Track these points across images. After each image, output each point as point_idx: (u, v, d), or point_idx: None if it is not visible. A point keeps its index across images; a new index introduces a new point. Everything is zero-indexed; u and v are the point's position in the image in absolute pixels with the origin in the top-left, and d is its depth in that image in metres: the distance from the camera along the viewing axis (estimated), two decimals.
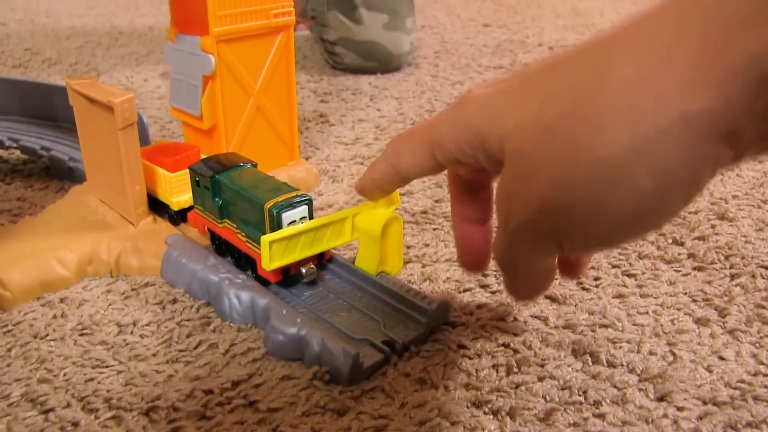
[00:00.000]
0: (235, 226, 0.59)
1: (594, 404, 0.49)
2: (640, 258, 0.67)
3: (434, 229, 0.71)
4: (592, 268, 0.65)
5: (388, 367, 0.52)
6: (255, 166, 0.62)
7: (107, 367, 0.53)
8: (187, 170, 0.65)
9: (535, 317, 0.58)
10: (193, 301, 0.60)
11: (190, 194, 0.65)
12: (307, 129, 1.00)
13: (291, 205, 0.55)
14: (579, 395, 0.50)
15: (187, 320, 0.58)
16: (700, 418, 0.48)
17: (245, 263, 0.60)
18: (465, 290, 0.61)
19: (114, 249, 0.65)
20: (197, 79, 0.71)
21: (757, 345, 0.55)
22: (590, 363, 0.53)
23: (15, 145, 0.79)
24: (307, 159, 0.88)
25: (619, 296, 0.61)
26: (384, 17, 1.20)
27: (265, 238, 0.54)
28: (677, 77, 0.27)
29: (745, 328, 0.57)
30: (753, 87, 0.26)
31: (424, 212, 0.74)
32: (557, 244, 0.34)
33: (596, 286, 0.62)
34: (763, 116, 0.27)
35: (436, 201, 0.76)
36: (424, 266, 0.65)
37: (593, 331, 0.56)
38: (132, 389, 0.51)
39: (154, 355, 0.54)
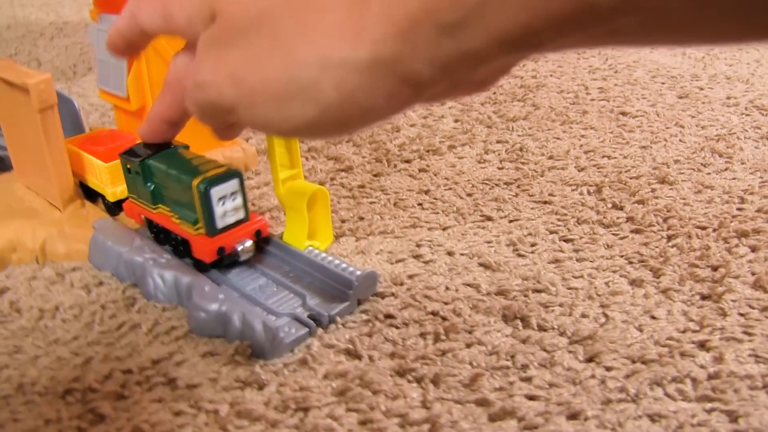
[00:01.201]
0: (168, 209, 0.57)
1: (521, 368, 0.49)
2: (579, 223, 0.66)
3: (371, 203, 0.70)
4: (530, 234, 0.64)
5: (313, 340, 0.51)
6: (187, 148, 0.59)
7: (24, 353, 0.51)
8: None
9: (467, 285, 0.57)
10: (120, 284, 0.59)
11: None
12: None
13: (220, 180, 0.52)
14: (506, 360, 0.49)
15: (112, 302, 0.56)
16: (627, 376, 0.47)
17: (183, 249, 0.57)
18: (397, 261, 0.60)
19: (39, 236, 0.63)
20: (122, 59, 0.70)
21: (689, 303, 0.54)
22: (520, 328, 0.52)
23: None
24: (246, 140, 0.86)
25: (555, 261, 0.60)
26: None
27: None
28: (372, 20, 0.28)
29: (678, 287, 0.56)
30: (432, 38, 0.27)
31: (362, 186, 0.73)
32: (234, 117, 0.35)
33: (532, 252, 0.61)
34: (445, 67, 0.28)
35: (375, 175, 0.75)
36: (357, 239, 0.64)
37: (525, 296, 0.55)
38: (48, 373, 0.49)
39: (75, 338, 0.53)
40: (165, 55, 0.71)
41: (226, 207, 0.53)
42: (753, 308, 0.54)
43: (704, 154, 0.79)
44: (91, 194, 0.67)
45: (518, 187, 0.72)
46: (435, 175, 0.75)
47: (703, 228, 0.64)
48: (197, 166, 0.54)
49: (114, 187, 0.64)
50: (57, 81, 1.14)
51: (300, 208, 0.57)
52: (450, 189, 0.72)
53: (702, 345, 0.50)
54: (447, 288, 0.57)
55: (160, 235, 0.59)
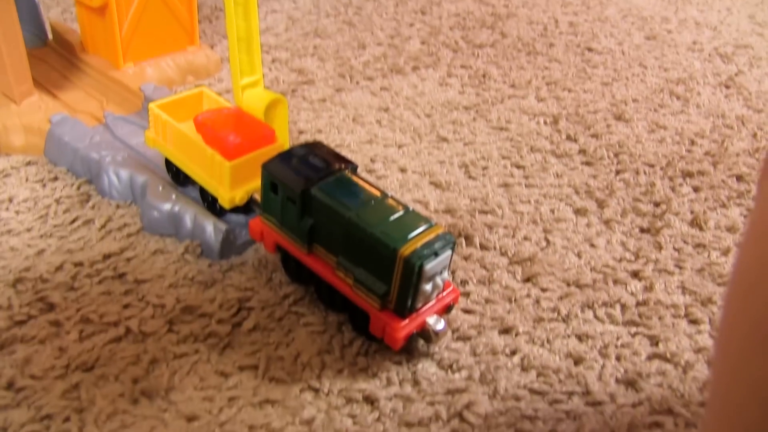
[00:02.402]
0: (334, 259, 0.44)
1: (461, 283, 0.50)
2: (532, 151, 0.67)
3: (330, 117, 0.70)
4: (482, 158, 0.65)
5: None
6: (355, 169, 0.46)
7: None
8: (248, 156, 0.49)
9: (417, 201, 0.58)
10: (75, 179, 0.59)
11: (250, 189, 0.50)
12: (217, 18, 0.97)
13: (434, 252, 0.40)
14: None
15: (67, 197, 0.57)
16: (561, 298, 0.50)
17: (342, 306, 0.45)
18: None
19: None
20: None
21: (628, 234, 0.57)
22: (464, 245, 0.54)
23: None
24: (212, 47, 0.85)
25: (504, 185, 0.62)
26: None
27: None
28: None
29: (620, 219, 0.58)
30: None
31: (323, 100, 0.73)
32: None
33: (483, 175, 0.63)
34: None
35: (337, 90, 0.76)
36: None
37: (472, 216, 0.57)
38: (0, 263, 0.50)
39: (27, 230, 0.54)
40: None
41: (433, 284, 0.41)
42: (687, 244, 0.56)
43: (662, 95, 0.81)
44: (177, 175, 0.56)
45: (477, 112, 0.73)
46: (396, 94, 0.76)
47: (651, 165, 0.66)
48: (396, 220, 0.41)
49: (234, 191, 0.49)
50: None
51: (258, 114, 0.57)
52: (409, 109, 0.73)
53: (635, 274, 0.53)
54: None
55: (301, 273, 0.48)
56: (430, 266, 0.40)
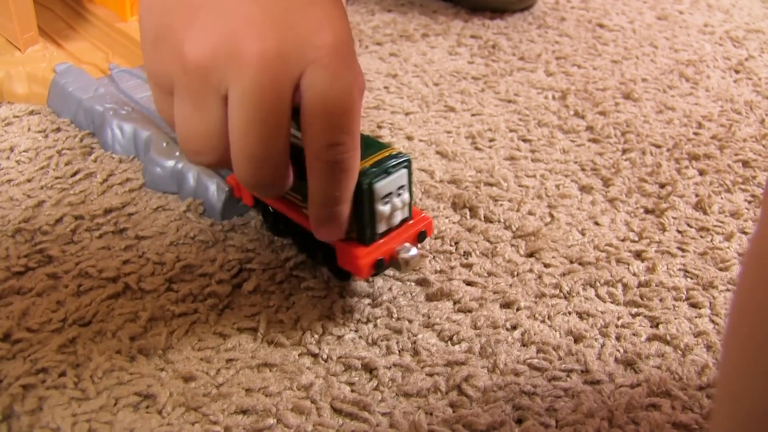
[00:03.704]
0: (299, 197, 0.42)
1: (464, 255, 0.50)
2: (539, 126, 0.67)
3: None
4: (489, 130, 0.65)
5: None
6: None
7: None
8: None
9: (422, 170, 0.58)
10: (78, 131, 0.58)
11: None
12: None
13: (385, 172, 0.39)
14: (450, 245, 0.51)
15: (69, 149, 0.56)
16: (563, 274, 0.49)
17: (314, 246, 0.45)
18: None
19: None
20: None
21: (632, 214, 0.56)
22: (468, 217, 0.54)
23: None
24: None
25: (511, 158, 0.61)
26: None
27: None
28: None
29: (625, 199, 0.58)
30: None
31: None
32: None
33: (489, 147, 0.62)
34: None
35: None
36: None
37: (477, 187, 0.57)
38: None
39: (28, 180, 0.53)
40: None
41: (391, 206, 0.40)
42: (691, 227, 0.56)
43: (672, 76, 0.80)
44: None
45: (485, 83, 0.72)
46: (405, 61, 0.75)
47: (658, 146, 0.66)
48: None
49: None
50: None
51: None
52: (418, 77, 0.72)
53: (638, 255, 0.52)
54: None
55: (280, 225, 0.47)
56: (380, 185, 0.39)
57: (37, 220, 0.49)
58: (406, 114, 0.65)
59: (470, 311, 0.46)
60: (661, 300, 0.48)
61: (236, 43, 0.33)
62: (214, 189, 0.49)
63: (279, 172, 0.36)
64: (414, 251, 0.41)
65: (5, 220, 0.49)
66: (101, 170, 0.54)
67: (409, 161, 0.40)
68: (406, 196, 0.41)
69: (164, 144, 0.53)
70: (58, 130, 0.58)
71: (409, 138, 0.62)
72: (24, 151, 0.56)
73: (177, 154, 0.52)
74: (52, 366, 0.40)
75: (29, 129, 0.58)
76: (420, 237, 0.43)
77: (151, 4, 0.36)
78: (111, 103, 0.57)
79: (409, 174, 0.40)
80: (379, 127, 0.63)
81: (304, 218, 0.42)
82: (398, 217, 0.41)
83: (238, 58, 0.33)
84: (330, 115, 0.34)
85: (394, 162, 0.39)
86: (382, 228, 0.41)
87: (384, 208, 0.40)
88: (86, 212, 0.50)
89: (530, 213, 0.55)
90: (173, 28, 0.34)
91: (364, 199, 0.38)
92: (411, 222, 0.42)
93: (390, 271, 0.47)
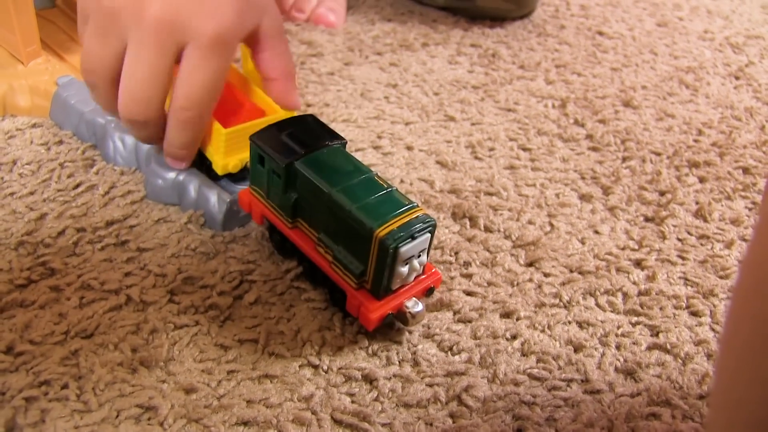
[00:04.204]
0: (315, 235, 0.44)
1: (463, 264, 0.50)
2: (539, 134, 0.67)
3: (338, 91, 0.70)
4: (489, 139, 0.65)
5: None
6: (344, 145, 0.45)
7: None
8: (244, 126, 0.48)
9: (422, 180, 0.58)
10: (80, 144, 0.59)
11: (242, 157, 0.50)
12: None
13: (411, 235, 0.39)
14: (450, 256, 0.51)
15: (71, 161, 0.57)
16: (563, 284, 0.50)
17: (322, 279, 0.45)
18: (357, 149, 0.61)
19: (0, 88, 0.62)
20: None
21: (632, 223, 0.56)
22: (468, 227, 0.54)
23: None
24: None
25: (510, 167, 0.61)
26: None
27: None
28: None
29: (625, 207, 0.58)
30: None
31: (331, 73, 0.73)
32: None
33: (489, 157, 0.62)
34: None
35: (345, 64, 0.75)
36: None
37: (477, 197, 0.57)
38: (2, 225, 0.50)
39: (30, 193, 0.53)
40: None
41: (410, 267, 0.41)
42: (691, 235, 0.56)
43: (672, 83, 0.80)
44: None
45: (485, 92, 0.73)
46: (405, 70, 0.75)
47: (658, 154, 0.66)
48: (377, 200, 0.40)
49: (227, 159, 0.49)
50: None
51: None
52: (418, 86, 0.72)
53: (638, 263, 0.52)
54: (402, 180, 0.58)
55: (285, 245, 0.48)
56: (405, 249, 0.39)
57: (40, 233, 0.49)
58: (406, 124, 0.66)
59: (470, 321, 0.46)
60: (661, 308, 0.48)
61: (141, 3, 0.42)
62: (215, 200, 0.50)
63: (150, 115, 0.45)
64: (420, 306, 0.42)
65: (8, 233, 0.49)
66: (103, 182, 0.54)
67: (434, 226, 0.41)
68: (424, 258, 0.42)
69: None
70: (61, 142, 0.59)
71: (409, 148, 0.62)
72: (27, 164, 0.56)
73: None
74: (55, 378, 0.40)
75: (32, 142, 0.59)
76: (428, 292, 0.44)
77: None
78: (112, 116, 0.57)
79: (431, 237, 0.41)
80: (379, 137, 0.63)
81: (317, 257, 0.43)
82: (413, 276, 0.42)
83: (139, 17, 0.42)
84: (188, 86, 0.44)
85: (420, 226, 0.40)
86: (396, 285, 0.41)
87: (403, 270, 0.40)
88: (88, 225, 0.50)
89: (530, 222, 0.55)
90: None
91: (387, 260, 0.39)
92: (423, 278, 0.43)
93: None
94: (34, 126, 0.61)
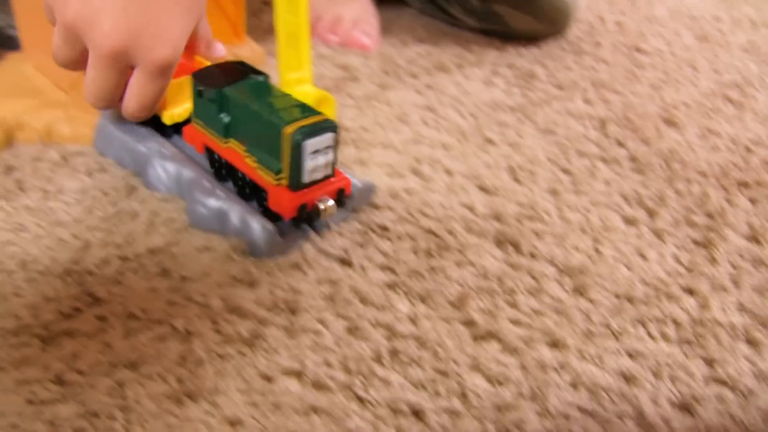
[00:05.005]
0: (243, 148, 0.51)
1: (509, 293, 0.50)
2: (580, 156, 0.66)
3: (375, 115, 0.70)
4: (529, 162, 0.64)
5: (307, 244, 0.52)
6: (267, 78, 0.53)
7: (28, 231, 0.52)
8: (183, 78, 0.55)
9: (463, 205, 0.58)
10: (122, 171, 0.59)
11: (186, 106, 0.57)
12: (262, 12, 0.97)
13: (315, 132, 0.47)
14: (495, 283, 0.50)
15: (114, 189, 0.57)
16: (611, 312, 0.49)
17: (250, 192, 0.53)
18: (396, 175, 0.61)
19: (45, 116, 0.63)
20: None
21: (680, 247, 0.55)
22: (512, 253, 0.53)
23: None
24: (256, 42, 0.85)
25: (552, 191, 0.61)
26: None
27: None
28: None
29: (672, 231, 0.57)
30: None
31: (368, 98, 0.73)
32: None
33: (530, 180, 0.62)
34: None
35: (382, 87, 0.75)
36: (358, 149, 0.64)
37: (520, 222, 0.56)
38: (49, 253, 0.50)
39: (76, 221, 0.54)
40: None
41: (317, 162, 0.48)
42: (744, 259, 0.54)
43: (715, 99, 0.79)
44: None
45: (523, 113, 0.72)
46: (441, 93, 0.75)
47: (704, 174, 0.65)
48: (288, 109, 0.49)
49: (171, 109, 0.57)
50: None
51: None
52: (455, 108, 0.72)
53: (689, 290, 0.51)
54: (443, 206, 0.57)
55: (223, 171, 0.55)
56: (309, 142, 0.47)
57: (85, 261, 0.50)
58: (445, 148, 0.65)
59: (517, 352, 0.45)
60: (716, 338, 0.47)
61: (97, 26, 0.45)
62: (258, 228, 0.50)
63: (107, 105, 0.50)
64: (331, 202, 0.50)
65: (55, 261, 0.50)
66: (145, 210, 0.54)
67: (336, 127, 0.48)
68: (331, 156, 0.49)
69: (207, 184, 0.53)
70: (104, 170, 0.59)
71: (449, 173, 0.62)
72: (72, 192, 0.56)
73: (220, 194, 0.52)
74: (102, 409, 0.40)
75: (76, 170, 0.59)
76: (339, 194, 0.51)
77: None
78: (154, 143, 0.58)
79: (335, 138, 0.48)
80: (419, 162, 0.62)
81: (245, 167, 0.51)
82: (322, 173, 0.49)
83: (94, 37, 0.45)
84: (140, 96, 0.48)
85: (323, 125, 0.48)
86: (307, 178, 0.48)
87: (311, 163, 0.48)
88: (132, 253, 0.50)
89: (575, 248, 0.54)
90: None
91: (295, 152, 0.47)
92: (333, 180, 0.50)
93: (434, 312, 0.47)
94: (78, 154, 0.61)
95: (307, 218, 0.51)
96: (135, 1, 0.46)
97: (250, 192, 0.52)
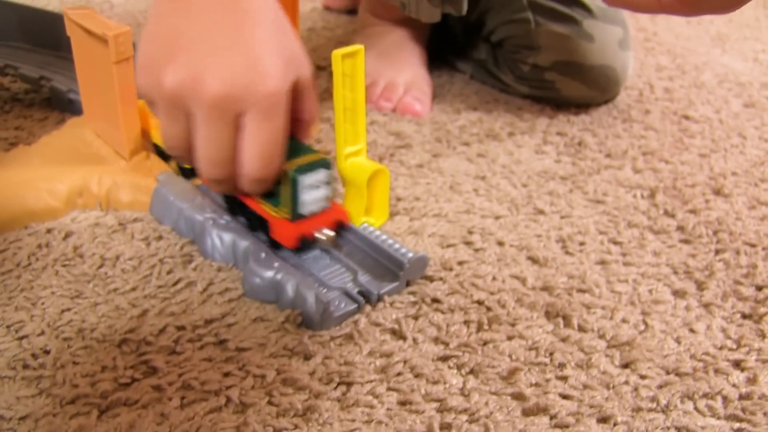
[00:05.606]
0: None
1: (558, 366, 0.50)
2: (629, 227, 0.66)
3: (427, 184, 0.71)
4: (579, 233, 0.64)
5: (361, 316, 0.53)
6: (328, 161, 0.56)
7: (85, 298, 0.54)
8: None
9: (514, 277, 0.58)
10: (178, 239, 0.61)
11: None
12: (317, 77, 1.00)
13: (310, 169, 0.52)
14: (545, 357, 0.50)
15: (170, 257, 0.59)
16: (660, 386, 0.49)
17: (258, 225, 0.57)
18: (448, 245, 0.62)
19: (105, 183, 0.65)
20: None
21: (729, 320, 0.55)
22: (561, 326, 0.53)
23: (13, 72, 0.79)
24: None
25: (602, 262, 0.61)
26: (618, 31, 0.87)
27: None
28: None
29: (720, 303, 0.57)
30: None
31: (420, 166, 0.74)
32: None
33: (580, 251, 0.62)
34: None
35: (434, 155, 0.76)
36: (411, 220, 0.65)
37: (569, 294, 0.56)
38: (107, 321, 0.52)
39: (132, 289, 0.55)
40: None
41: (312, 195, 0.53)
42: None
43: (764, 168, 0.79)
44: (165, 155, 0.67)
45: (573, 182, 0.73)
46: (492, 161, 0.76)
47: (753, 245, 0.64)
48: (289, 149, 0.53)
49: None
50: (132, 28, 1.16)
51: (360, 184, 0.58)
52: (506, 178, 0.73)
53: (737, 364, 0.51)
54: (494, 278, 0.58)
55: (235, 207, 0.59)
56: (303, 177, 0.52)
57: (142, 330, 0.51)
58: (496, 218, 0.66)
59: (567, 427, 0.45)
60: (765, 414, 0.47)
61: (200, 81, 0.46)
62: (313, 300, 0.50)
63: (226, 173, 0.50)
64: (329, 232, 0.55)
65: (112, 329, 0.51)
66: (201, 279, 0.56)
67: (329, 164, 0.53)
68: (327, 191, 0.54)
69: (263, 254, 0.54)
70: (160, 237, 0.61)
71: (500, 243, 0.62)
72: (129, 260, 0.58)
73: (276, 264, 0.53)
74: None
75: (133, 236, 0.61)
76: (338, 225, 0.56)
77: (147, 39, 0.50)
78: (210, 213, 0.59)
79: (329, 174, 0.53)
80: (470, 232, 0.63)
81: (252, 202, 0.56)
82: (318, 205, 0.54)
83: (199, 98, 0.47)
84: (257, 146, 0.49)
85: (317, 163, 0.52)
86: (305, 210, 0.53)
87: (307, 197, 0.53)
88: (188, 322, 0.52)
89: (624, 321, 0.54)
90: (159, 61, 0.48)
91: (292, 187, 0.52)
92: (329, 211, 0.55)
93: (485, 385, 0.47)
94: (135, 221, 0.63)
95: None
96: (235, 50, 0.47)
97: (260, 226, 0.57)
